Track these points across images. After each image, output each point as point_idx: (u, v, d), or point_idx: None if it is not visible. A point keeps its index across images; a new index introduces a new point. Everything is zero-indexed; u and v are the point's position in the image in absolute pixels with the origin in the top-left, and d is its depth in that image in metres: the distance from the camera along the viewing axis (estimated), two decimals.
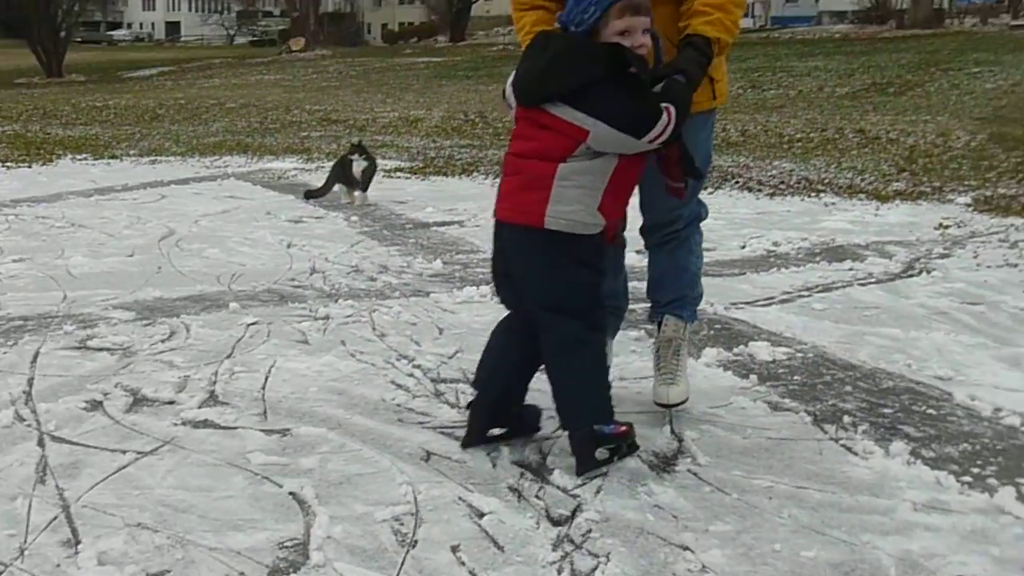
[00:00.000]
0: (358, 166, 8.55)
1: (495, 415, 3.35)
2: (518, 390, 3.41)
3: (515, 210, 3.20)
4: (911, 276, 5.76)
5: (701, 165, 3.56)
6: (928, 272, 5.82)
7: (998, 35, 34.89)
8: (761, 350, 4.33)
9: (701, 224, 3.78)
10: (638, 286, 4.40)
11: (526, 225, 3.16)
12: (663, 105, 3.09)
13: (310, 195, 8.75)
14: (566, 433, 3.25)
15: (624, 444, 3.22)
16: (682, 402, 3.64)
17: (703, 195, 3.81)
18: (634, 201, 3.44)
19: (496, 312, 3.89)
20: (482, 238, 6.91)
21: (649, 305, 3.90)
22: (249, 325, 4.76)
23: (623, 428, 3.22)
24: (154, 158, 12.47)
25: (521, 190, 3.18)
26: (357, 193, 8.56)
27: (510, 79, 3.30)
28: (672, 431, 3.48)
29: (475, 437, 3.35)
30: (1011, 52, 27.45)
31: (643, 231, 3.77)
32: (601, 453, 3.16)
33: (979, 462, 3.22)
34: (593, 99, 3.08)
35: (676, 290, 3.76)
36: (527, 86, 3.20)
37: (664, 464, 3.21)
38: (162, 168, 11.45)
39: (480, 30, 61.40)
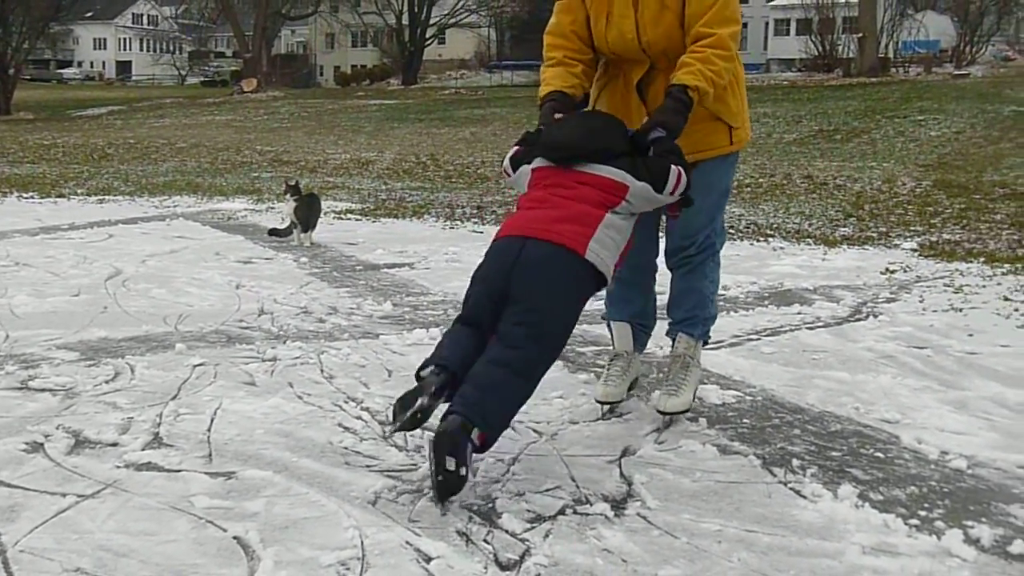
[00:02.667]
0: (288, 207, 8.55)
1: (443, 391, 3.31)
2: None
3: (553, 232, 3.39)
4: (858, 320, 5.80)
5: (716, 202, 4.07)
6: (875, 316, 5.88)
7: (942, 84, 35.57)
8: (710, 393, 4.34)
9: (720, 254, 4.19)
10: (587, 328, 4.41)
11: (563, 247, 3.37)
12: (673, 162, 3.54)
13: (273, 232, 8.73)
14: (513, 474, 3.36)
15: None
16: (681, 412, 3.96)
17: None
18: None
19: None
20: (432, 280, 6.90)
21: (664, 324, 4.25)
22: (195, 366, 4.70)
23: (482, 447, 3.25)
24: (102, 197, 12.36)
25: (562, 221, 3.41)
26: (295, 232, 8.53)
27: (508, 155, 3.75)
28: (621, 474, 3.47)
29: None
30: (954, 100, 28.00)
31: (665, 254, 4.13)
32: (451, 462, 3.09)
33: (926, 505, 3.24)
34: (623, 163, 3.50)
35: (688, 310, 4.12)
36: (577, 144, 3.53)
37: (613, 508, 3.19)
38: (110, 207, 11.35)
39: (432, 74, 61.66)
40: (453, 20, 61.59)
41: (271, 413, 4.05)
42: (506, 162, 3.78)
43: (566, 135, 3.59)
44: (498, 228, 3.64)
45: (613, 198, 3.48)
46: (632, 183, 3.49)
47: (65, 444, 3.67)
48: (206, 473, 3.42)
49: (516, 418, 3.89)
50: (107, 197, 12.39)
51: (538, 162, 3.64)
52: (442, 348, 3.43)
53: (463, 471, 3.12)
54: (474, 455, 3.22)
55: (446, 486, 3.13)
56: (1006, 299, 6.34)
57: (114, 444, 3.67)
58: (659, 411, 3.96)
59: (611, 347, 4.30)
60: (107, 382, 4.46)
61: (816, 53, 46.45)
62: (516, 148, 3.77)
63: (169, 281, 6.80)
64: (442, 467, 3.09)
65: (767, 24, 63.86)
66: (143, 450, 3.61)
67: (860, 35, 42.88)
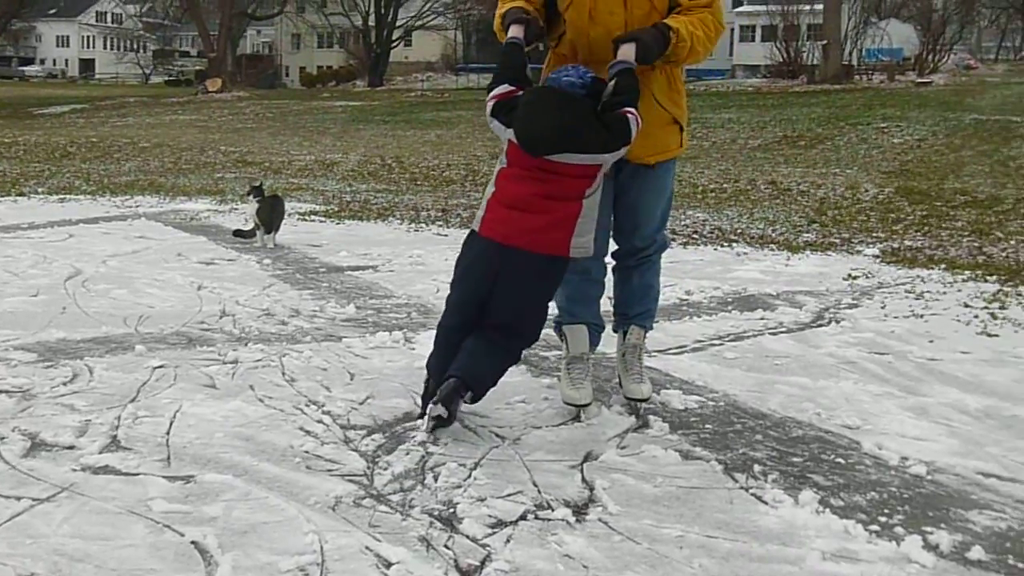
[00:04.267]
0: (251, 208, 8.49)
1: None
2: None
3: (537, 243, 3.68)
4: (820, 326, 5.83)
5: (668, 202, 4.24)
6: (837, 322, 5.90)
7: (904, 91, 35.85)
8: (673, 398, 4.35)
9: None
10: (549, 333, 4.40)
11: (550, 256, 3.71)
12: (626, 113, 3.63)
13: (237, 234, 8.65)
14: (475, 479, 3.40)
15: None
16: (648, 398, 4.16)
17: None
18: None
19: (408, 359, 3.86)
20: (396, 283, 6.87)
21: (613, 321, 4.42)
22: (155, 368, 4.65)
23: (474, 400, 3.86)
24: (63, 196, 12.23)
25: (545, 230, 3.67)
26: (258, 234, 8.46)
27: (496, 92, 3.77)
28: (583, 479, 3.46)
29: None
30: (916, 108, 28.22)
31: (618, 255, 4.24)
32: (444, 412, 3.70)
33: (886, 511, 3.26)
34: (595, 139, 3.61)
35: (644, 304, 4.33)
36: (540, 146, 3.63)
37: (575, 513, 3.18)
38: (71, 207, 11.23)
39: (398, 76, 61.57)
40: (420, 22, 61.58)
41: (231, 416, 4.02)
42: (491, 105, 3.80)
43: (542, 131, 3.64)
44: (478, 216, 3.84)
45: (588, 182, 3.68)
46: (604, 159, 3.68)
47: (21, 446, 3.62)
48: (164, 477, 3.39)
49: (479, 423, 3.92)
50: (68, 196, 12.26)
51: (515, 137, 3.71)
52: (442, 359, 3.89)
53: (451, 417, 3.74)
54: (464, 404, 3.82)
55: (439, 424, 3.74)
56: (966, 306, 6.39)
57: (71, 447, 3.63)
58: (634, 399, 4.15)
59: (566, 351, 4.25)
60: (65, 384, 4.41)
61: (781, 60, 46.69)
62: (509, 89, 3.78)
63: (130, 282, 6.73)
64: (438, 416, 3.69)
65: (733, 30, 64.07)
66: (100, 453, 3.57)
67: (824, 42, 43.15)
